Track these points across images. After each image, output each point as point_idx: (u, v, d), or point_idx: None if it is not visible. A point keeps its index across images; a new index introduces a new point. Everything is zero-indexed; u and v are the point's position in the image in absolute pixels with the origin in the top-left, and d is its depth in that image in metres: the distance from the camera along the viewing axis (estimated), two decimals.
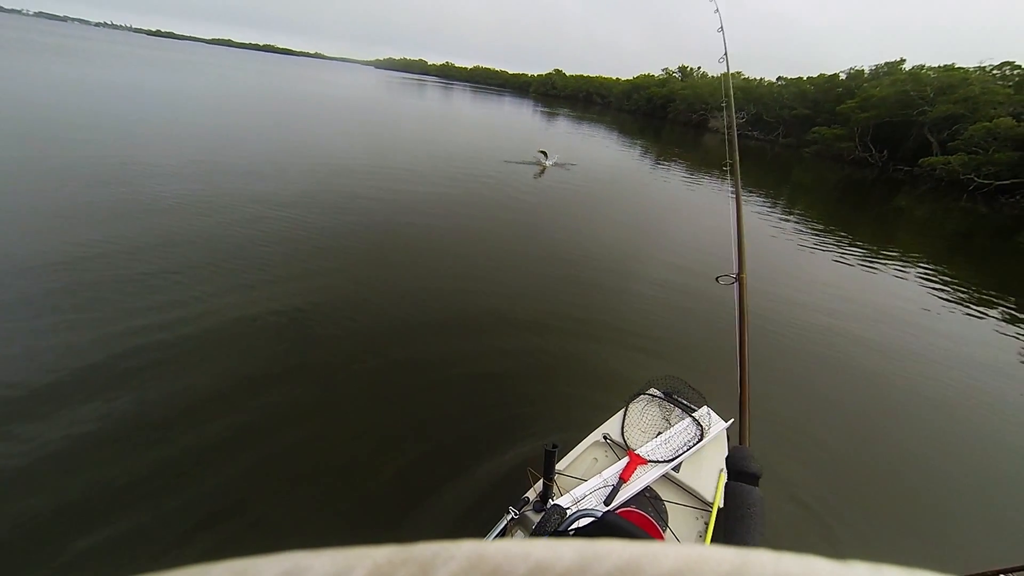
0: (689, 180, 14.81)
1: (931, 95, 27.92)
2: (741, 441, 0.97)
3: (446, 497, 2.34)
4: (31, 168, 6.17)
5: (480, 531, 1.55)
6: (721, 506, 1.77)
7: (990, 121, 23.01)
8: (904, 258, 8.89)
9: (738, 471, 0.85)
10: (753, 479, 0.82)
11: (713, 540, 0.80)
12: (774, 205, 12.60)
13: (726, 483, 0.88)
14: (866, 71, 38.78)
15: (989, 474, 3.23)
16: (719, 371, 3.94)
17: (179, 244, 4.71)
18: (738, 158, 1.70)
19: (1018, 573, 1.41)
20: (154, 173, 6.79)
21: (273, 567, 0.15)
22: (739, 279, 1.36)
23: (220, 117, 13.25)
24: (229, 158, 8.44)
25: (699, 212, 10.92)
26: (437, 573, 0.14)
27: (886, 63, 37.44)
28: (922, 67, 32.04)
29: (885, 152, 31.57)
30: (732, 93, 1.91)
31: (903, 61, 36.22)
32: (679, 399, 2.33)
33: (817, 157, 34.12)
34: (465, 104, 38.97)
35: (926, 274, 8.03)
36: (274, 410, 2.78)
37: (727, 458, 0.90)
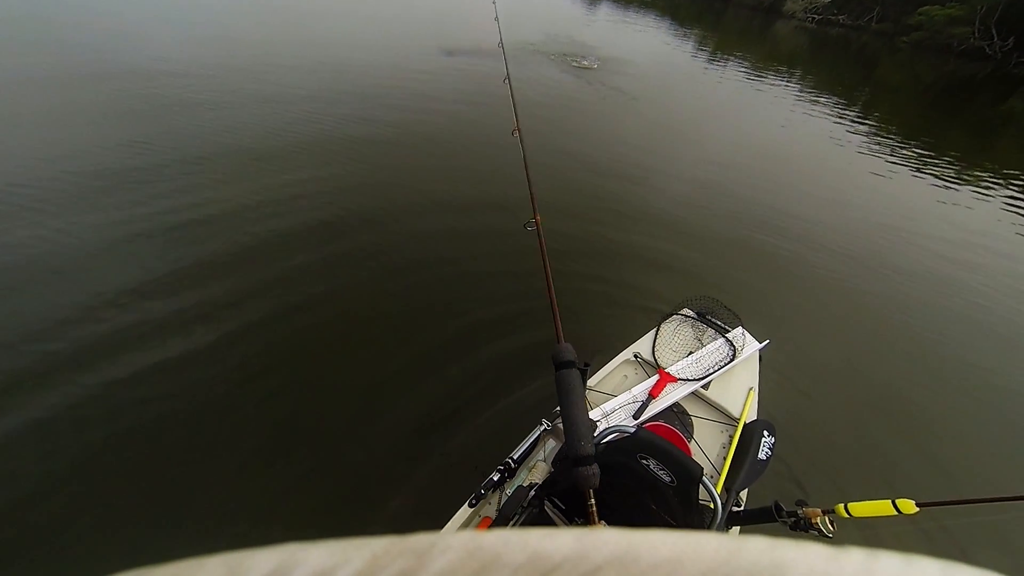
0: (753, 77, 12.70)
1: None
2: (557, 341, 1.12)
3: (485, 412, 2.42)
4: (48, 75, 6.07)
5: (515, 442, 1.61)
6: (748, 421, 1.80)
7: None
8: (995, 176, 7.66)
9: (562, 362, 1.02)
10: (570, 364, 1.01)
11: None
12: (843, 113, 10.72)
13: (556, 374, 1.01)
14: None
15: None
16: (762, 289, 3.88)
17: (194, 139, 4.63)
18: (519, 126, 2.08)
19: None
20: (171, 73, 6.52)
21: (269, 559, 0.15)
22: (536, 223, 1.47)
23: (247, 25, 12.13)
24: (247, 56, 7.92)
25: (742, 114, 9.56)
26: (435, 563, 0.15)
27: None
28: None
29: (1011, 40, 25.36)
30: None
31: None
32: (712, 319, 2.32)
33: (917, 48, 28.07)
34: None
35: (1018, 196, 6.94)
36: (281, 336, 2.67)
37: (552, 355, 1.03)
